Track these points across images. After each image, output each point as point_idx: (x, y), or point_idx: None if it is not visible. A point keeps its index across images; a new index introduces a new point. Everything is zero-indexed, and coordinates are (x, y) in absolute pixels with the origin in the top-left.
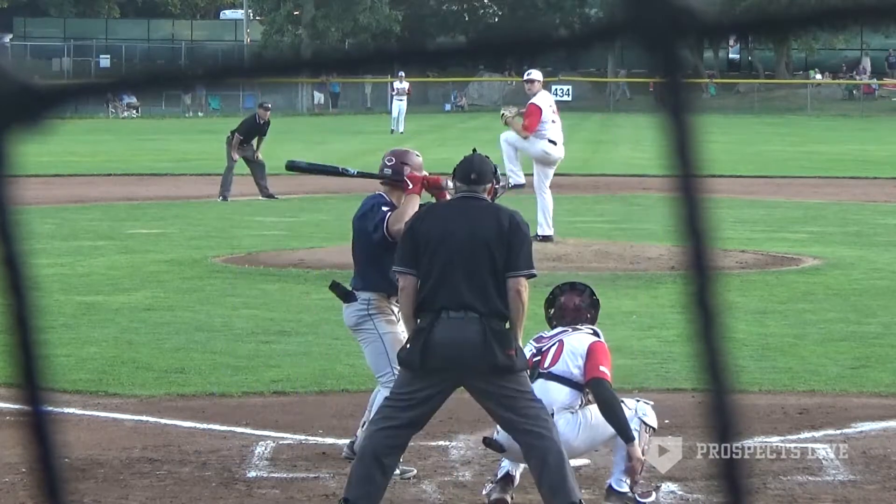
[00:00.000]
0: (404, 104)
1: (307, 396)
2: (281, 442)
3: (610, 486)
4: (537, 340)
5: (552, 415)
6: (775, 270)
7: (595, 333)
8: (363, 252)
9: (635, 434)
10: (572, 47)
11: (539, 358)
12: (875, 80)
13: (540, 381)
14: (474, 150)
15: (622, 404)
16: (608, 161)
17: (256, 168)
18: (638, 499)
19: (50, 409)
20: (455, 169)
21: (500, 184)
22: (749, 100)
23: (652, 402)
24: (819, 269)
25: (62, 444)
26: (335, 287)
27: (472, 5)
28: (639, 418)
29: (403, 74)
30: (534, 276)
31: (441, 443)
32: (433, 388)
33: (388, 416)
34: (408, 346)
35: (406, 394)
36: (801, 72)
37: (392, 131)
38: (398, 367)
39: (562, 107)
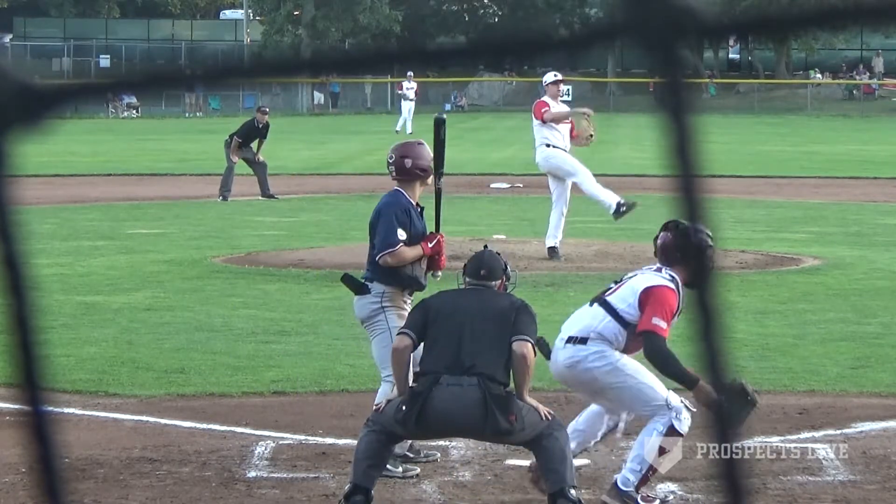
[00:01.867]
0: (413, 105)
1: (307, 396)
2: (281, 442)
3: (615, 482)
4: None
5: (587, 340)
6: (775, 270)
7: (672, 280)
8: (372, 239)
9: (659, 437)
10: (572, 47)
11: (613, 286)
12: (875, 81)
13: (595, 305)
14: (485, 247)
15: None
16: (608, 161)
17: (258, 168)
18: (640, 501)
19: (50, 409)
20: (465, 265)
21: (510, 280)
22: (749, 100)
23: (694, 411)
24: (819, 269)
25: (62, 444)
26: (348, 280)
27: (472, 5)
28: (670, 419)
29: (412, 75)
30: (535, 346)
31: (441, 443)
32: (428, 436)
33: (381, 431)
34: (403, 407)
35: (402, 434)
36: (801, 72)
37: (397, 131)
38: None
39: None
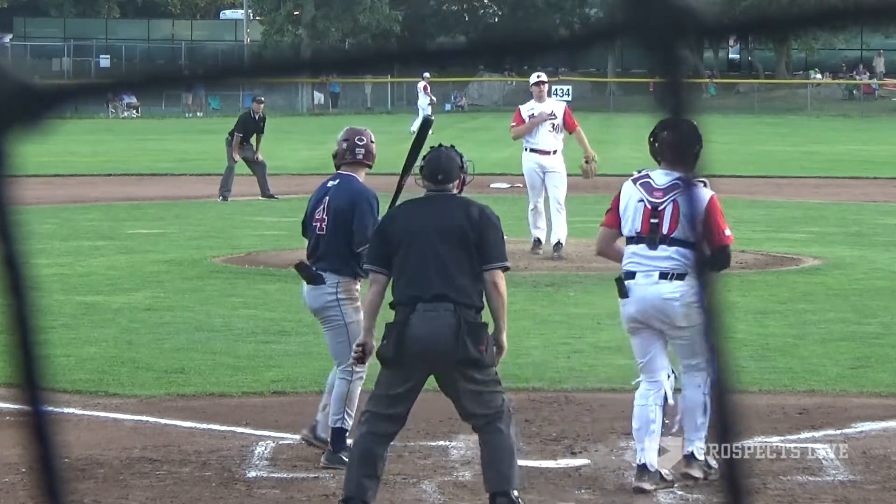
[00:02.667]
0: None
1: (307, 396)
2: (281, 442)
3: (691, 454)
4: (648, 190)
5: (685, 276)
6: (775, 270)
7: (704, 185)
8: (338, 235)
9: (658, 408)
10: (572, 47)
11: (656, 221)
12: (875, 81)
13: (663, 245)
14: (440, 145)
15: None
16: (608, 161)
17: (257, 168)
18: (710, 463)
19: (50, 409)
20: (421, 167)
21: (468, 172)
22: (749, 100)
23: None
24: (819, 269)
25: (62, 444)
26: (304, 268)
27: (472, 5)
28: (666, 391)
29: (429, 75)
30: (507, 268)
31: (441, 443)
32: (410, 382)
33: (372, 421)
34: (384, 340)
35: (387, 396)
36: (801, 72)
37: (412, 131)
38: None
39: None
